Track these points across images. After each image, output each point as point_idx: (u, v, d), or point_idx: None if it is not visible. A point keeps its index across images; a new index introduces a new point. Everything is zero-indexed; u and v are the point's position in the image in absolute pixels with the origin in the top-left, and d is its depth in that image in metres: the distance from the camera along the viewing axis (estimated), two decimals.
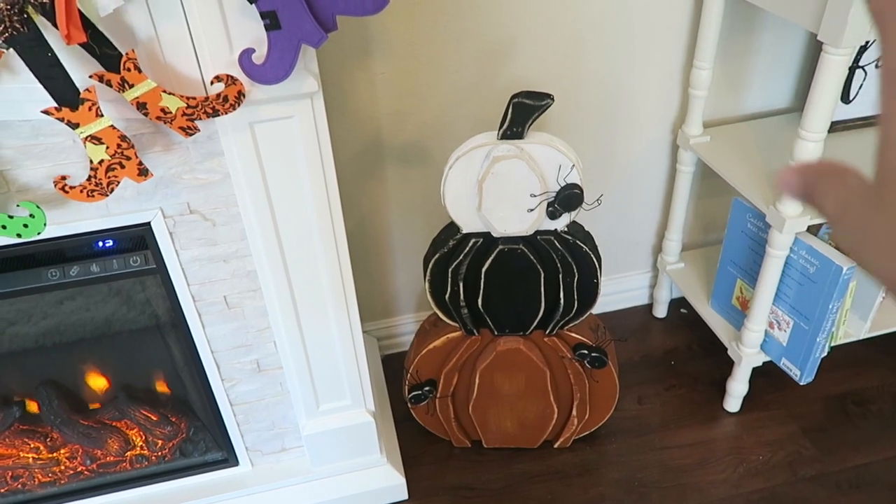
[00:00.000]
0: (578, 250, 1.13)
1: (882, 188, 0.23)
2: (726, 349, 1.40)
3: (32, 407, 1.19)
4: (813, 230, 1.22)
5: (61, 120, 0.75)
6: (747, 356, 1.34)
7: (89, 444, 1.22)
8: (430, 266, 1.15)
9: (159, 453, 1.25)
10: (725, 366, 1.42)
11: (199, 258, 0.99)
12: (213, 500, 1.25)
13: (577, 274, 1.15)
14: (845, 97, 1.30)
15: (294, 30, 0.74)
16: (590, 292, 1.18)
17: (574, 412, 1.33)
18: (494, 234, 1.11)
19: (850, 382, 1.50)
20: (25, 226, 0.85)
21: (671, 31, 1.31)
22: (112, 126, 0.77)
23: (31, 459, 1.21)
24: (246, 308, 1.06)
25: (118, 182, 0.81)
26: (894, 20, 0.22)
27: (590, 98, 1.35)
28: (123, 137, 0.78)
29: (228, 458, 1.25)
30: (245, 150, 0.87)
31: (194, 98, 0.78)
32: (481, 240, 1.12)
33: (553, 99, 1.00)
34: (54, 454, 1.22)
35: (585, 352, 1.23)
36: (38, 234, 0.86)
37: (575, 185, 1.04)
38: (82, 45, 0.71)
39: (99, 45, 0.72)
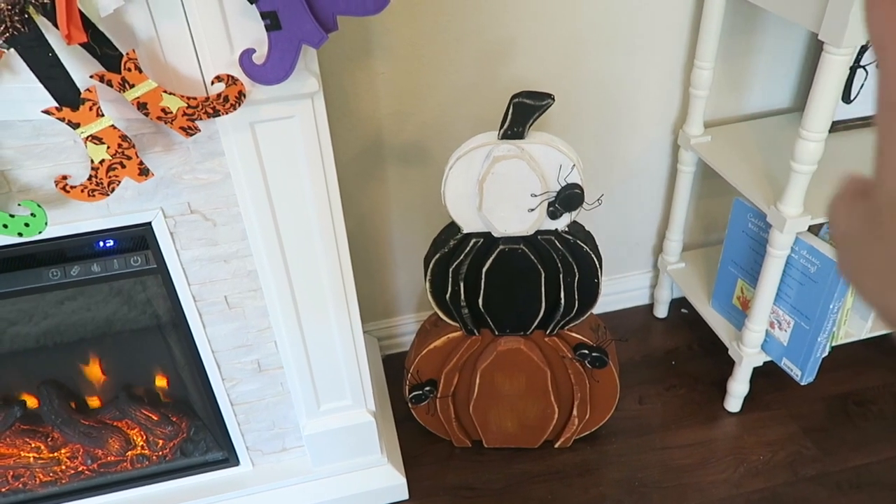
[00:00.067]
0: (579, 250, 1.13)
1: (879, 216, 0.24)
2: (727, 349, 1.40)
3: (33, 405, 1.19)
4: (814, 230, 1.21)
5: (62, 120, 0.75)
6: (748, 356, 1.34)
7: (90, 443, 1.22)
8: (431, 266, 1.15)
9: (160, 453, 1.25)
10: (726, 366, 1.42)
11: (200, 258, 0.99)
12: (214, 500, 1.26)
13: (577, 274, 1.15)
14: (846, 97, 1.30)
15: (295, 30, 0.74)
16: (590, 292, 1.18)
17: (575, 412, 1.33)
18: (495, 234, 1.11)
19: (851, 382, 1.49)
20: (27, 225, 0.85)
21: (672, 30, 1.31)
22: (113, 126, 0.77)
23: (32, 459, 1.21)
24: (246, 308, 1.06)
25: (119, 182, 0.81)
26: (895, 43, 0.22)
27: (590, 98, 1.35)
28: (124, 137, 0.78)
29: (229, 458, 1.25)
30: (246, 150, 0.87)
31: (195, 98, 0.78)
32: (482, 240, 1.12)
33: (553, 99, 1.00)
34: (55, 454, 1.22)
35: (586, 352, 1.23)
36: (40, 233, 0.86)
37: (575, 185, 1.04)
38: (83, 46, 0.71)
39: (100, 45, 0.72)
